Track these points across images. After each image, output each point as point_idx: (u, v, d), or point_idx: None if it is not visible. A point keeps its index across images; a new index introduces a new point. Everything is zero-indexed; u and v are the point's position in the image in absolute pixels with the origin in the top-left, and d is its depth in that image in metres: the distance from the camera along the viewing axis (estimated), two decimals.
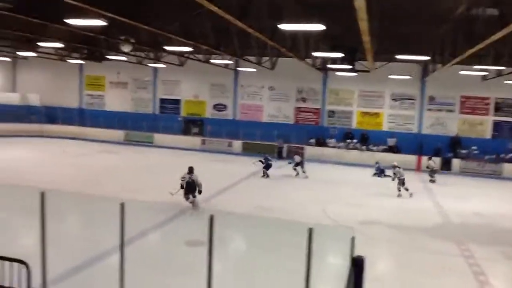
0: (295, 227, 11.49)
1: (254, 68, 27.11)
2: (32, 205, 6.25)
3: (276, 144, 29.60)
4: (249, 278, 9.44)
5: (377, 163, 24.39)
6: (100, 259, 9.72)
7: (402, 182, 18.93)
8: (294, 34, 17.51)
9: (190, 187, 14.36)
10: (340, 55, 18.47)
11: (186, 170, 14.60)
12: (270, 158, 22.93)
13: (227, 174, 22.01)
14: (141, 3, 14.54)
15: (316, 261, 5.64)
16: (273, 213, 14.55)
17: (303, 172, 22.41)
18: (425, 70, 27.62)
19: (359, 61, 21.85)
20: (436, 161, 24.81)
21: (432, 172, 23.32)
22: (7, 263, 5.31)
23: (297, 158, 23.15)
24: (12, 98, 34.52)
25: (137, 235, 10.66)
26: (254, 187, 19.78)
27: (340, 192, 19.61)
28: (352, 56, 19.83)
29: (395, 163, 19.76)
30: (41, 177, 17.85)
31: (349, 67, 20.73)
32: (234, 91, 32.30)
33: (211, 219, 5.57)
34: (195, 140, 31.09)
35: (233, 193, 18.16)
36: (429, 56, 18.70)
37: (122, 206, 5.70)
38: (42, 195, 6.03)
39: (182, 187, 14.41)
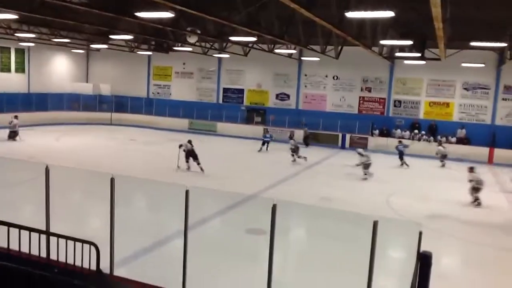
0: (357, 218, 11.30)
1: (318, 57, 26.76)
2: (102, 190, 6.54)
3: (302, 131, 29.43)
4: (310, 269, 9.40)
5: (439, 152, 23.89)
6: (165, 243, 10.06)
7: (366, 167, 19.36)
8: (361, 22, 17.05)
9: (191, 154, 18.66)
10: (409, 42, 17.78)
11: (186, 141, 18.96)
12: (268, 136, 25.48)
13: (289, 163, 21.97)
14: None
15: (380, 255, 5.50)
16: (335, 204, 14.37)
17: (299, 157, 22.20)
18: (501, 57, 26.02)
19: (429, 49, 20.92)
20: (446, 147, 24.66)
21: (442, 157, 23.70)
22: (78, 244, 5.61)
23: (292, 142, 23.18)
24: (85, 88, 36.42)
25: (199, 221, 10.92)
26: (316, 177, 19.62)
27: (405, 184, 19.02)
28: (422, 43, 19.00)
29: (360, 150, 20.46)
30: (111, 163, 18.75)
31: (418, 55, 19.88)
32: (298, 81, 32.10)
33: (274, 208, 5.56)
34: (258, 129, 31.28)
35: (295, 182, 18.13)
36: (506, 42, 17.58)
37: (187, 192, 5.84)
38: (112, 181, 6.30)
39: (184, 151, 18.71)
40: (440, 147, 24.30)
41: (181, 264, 6.24)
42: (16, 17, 17.90)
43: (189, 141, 19.25)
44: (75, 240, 5.42)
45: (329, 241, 11.09)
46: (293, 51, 27.49)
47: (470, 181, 15.93)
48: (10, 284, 5.16)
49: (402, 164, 22.29)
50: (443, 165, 23.70)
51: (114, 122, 34.22)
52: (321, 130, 29.59)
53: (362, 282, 5.46)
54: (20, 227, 5.14)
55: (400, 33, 17.44)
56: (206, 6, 13.98)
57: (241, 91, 34.00)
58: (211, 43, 28.34)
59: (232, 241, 10.80)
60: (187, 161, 18.80)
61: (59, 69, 36.71)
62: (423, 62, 24.09)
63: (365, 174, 19.34)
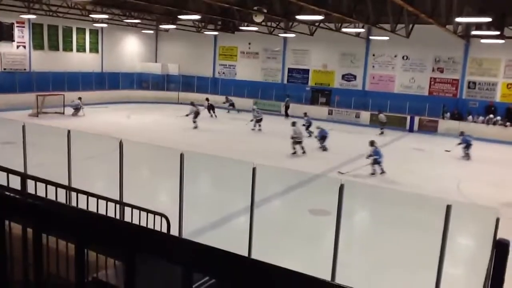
0: (427, 203, 10.93)
1: (387, 37, 25.82)
2: (171, 165, 6.73)
3: (284, 103, 31.36)
4: (374, 252, 9.24)
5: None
6: (230, 219, 10.26)
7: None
8: None
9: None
10: (487, 19, 16.70)
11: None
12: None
13: (355, 145, 21.55)
14: None
15: (452, 241, 5.29)
16: (402, 187, 13.97)
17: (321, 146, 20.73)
18: None
19: (509, 27, 19.58)
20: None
21: (381, 124, 25.21)
22: (150, 215, 5.83)
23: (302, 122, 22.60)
24: (154, 68, 37.54)
25: (264, 199, 11.00)
26: (384, 160, 19.09)
27: (477, 170, 18.10)
28: (501, 20, 17.82)
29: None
30: (178, 140, 19.28)
31: (497, 33, 18.68)
32: (365, 61, 31.23)
33: (341, 188, 5.48)
34: (322, 110, 30.87)
35: (361, 164, 17.75)
36: None
37: (254, 170, 5.89)
38: (181, 156, 6.47)
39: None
40: (381, 115, 24.82)
41: (247, 240, 6.34)
42: None
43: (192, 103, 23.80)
44: (147, 211, 5.64)
45: (396, 224, 10.83)
46: (361, 30, 26.69)
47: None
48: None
49: (465, 156, 20.41)
50: (382, 133, 24.07)
51: (181, 101, 35.09)
52: (388, 112, 28.72)
53: (431, 267, 5.28)
54: (98, 197, 5.42)
55: (478, 9, 16.41)
56: None
57: (306, 71, 33.63)
58: (277, 23, 28.14)
59: (296, 221, 10.81)
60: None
61: (130, 49, 38.04)
62: (501, 41, 22.60)
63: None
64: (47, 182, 4.88)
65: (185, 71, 37.23)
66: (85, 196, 5.41)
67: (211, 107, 28.63)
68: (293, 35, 29.93)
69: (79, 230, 1.54)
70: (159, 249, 1.54)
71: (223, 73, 37.37)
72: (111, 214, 6.13)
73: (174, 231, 6.00)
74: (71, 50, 33.49)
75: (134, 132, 20.80)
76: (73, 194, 5.99)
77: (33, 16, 27.89)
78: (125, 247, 1.50)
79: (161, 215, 5.55)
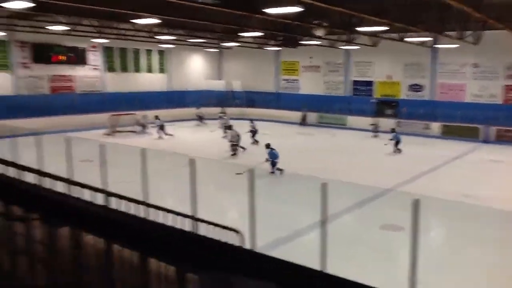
0: (505, 218, 10.31)
1: (455, 44, 24.88)
2: (239, 180, 6.80)
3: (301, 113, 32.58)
4: (453, 271, 8.80)
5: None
6: (301, 234, 10.18)
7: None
8: (505, 2, 15.47)
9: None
10: None
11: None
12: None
13: (425, 158, 20.81)
14: None
15: None
16: (481, 203, 13.25)
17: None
18: None
19: None
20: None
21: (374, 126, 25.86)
22: (220, 230, 5.92)
23: None
24: (219, 85, 38.44)
25: (333, 214, 10.84)
26: (456, 173, 18.28)
27: None
28: None
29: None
30: (247, 156, 19.53)
31: None
32: (432, 70, 30.22)
33: (416, 203, 5.29)
34: (389, 122, 30.10)
35: (432, 178, 17.09)
36: None
37: (324, 186, 5.82)
38: (251, 172, 6.53)
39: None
40: (375, 119, 24.87)
41: (318, 255, 6.26)
42: (158, 21, 19.53)
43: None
44: (221, 226, 5.73)
45: (476, 242, 10.27)
46: (426, 39, 25.89)
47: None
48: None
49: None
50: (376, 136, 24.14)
51: (246, 117, 35.49)
52: (458, 122, 27.51)
53: None
54: (174, 212, 5.58)
55: None
56: None
57: (370, 83, 33.05)
58: (338, 35, 27.95)
59: (367, 236, 10.56)
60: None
61: (195, 68, 39.25)
62: None
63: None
64: (127, 199, 5.09)
65: (248, 87, 37.78)
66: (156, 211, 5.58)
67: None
68: (355, 47, 29.59)
69: (181, 253, 1.58)
70: (247, 267, 1.55)
71: (286, 87, 37.55)
72: (183, 228, 6.30)
73: (247, 247, 6.06)
74: (140, 71, 35.09)
75: (202, 148, 21.25)
76: (149, 209, 6.22)
77: (105, 40, 29.51)
78: (219, 268, 1.52)
79: (234, 230, 5.61)
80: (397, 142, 22.25)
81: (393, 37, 25.07)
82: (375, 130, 27.82)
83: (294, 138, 27.20)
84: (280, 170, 16.68)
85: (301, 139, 26.94)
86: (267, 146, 17.30)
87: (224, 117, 27.71)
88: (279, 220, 11.42)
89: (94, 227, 1.80)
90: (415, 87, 31.04)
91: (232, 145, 20.58)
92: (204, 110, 33.13)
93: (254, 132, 24.15)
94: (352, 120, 31.84)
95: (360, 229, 11.42)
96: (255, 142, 23.27)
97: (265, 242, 8.90)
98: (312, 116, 33.31)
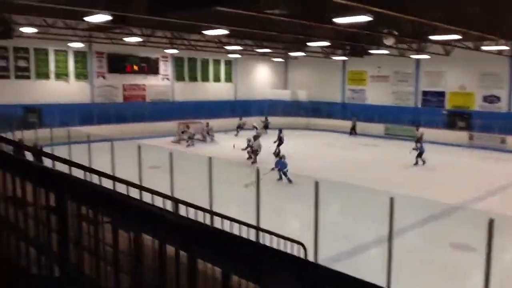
0: None
1: None
2: (301, 191, 6.76)
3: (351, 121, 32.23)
4: None
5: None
6: (365, 249, 9.93)
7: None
8: None
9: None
10: None
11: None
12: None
13: (501, 173, 19.65)
14: None
15: None
16: None
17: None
18: None
19: None
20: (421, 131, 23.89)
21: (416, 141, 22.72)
22: (286, 242, 5.89)
23: None
24: (284, 95, 38.56)
25: (400, 229, 10.48)
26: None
27: None
28: None
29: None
30: (308, 167, 19.37)
31: None
32: (510, 81, 28.56)
33: (491, 223, 5.00)
34: (461, 135, 28.75)
35: (508, 196, 16.10)
36: None
37: (392, 200, 5.66)
38: (317, 185, 6.47)
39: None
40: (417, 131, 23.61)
41: (383, 271, 6.08)
42: (227, 32, 19.96)
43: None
44: (284, 238, 5.71)
45: None
46: (504, 48, 24.55)
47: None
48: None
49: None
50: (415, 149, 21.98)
51: (311, 127, 35.34)
52: None
53: None
54: (238, 222, 5.64)
55: None
56: (404, 5, 13.45)
57: (441, 94, 31.77)
58: (408, 44, 27.16)
59: (435, 255, 10.10)
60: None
61: (261, 78, 39.66)
62: None
63: None
64: (195, 207, 5.22)
65: (313, 97, 37.58)
66: (222, 220, 5.65)
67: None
68: (426, 56, 28.62)
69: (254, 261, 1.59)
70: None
71: (353, 98, 36.96)
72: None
73: (310, 259, 6.00)
74: (208, 80, 36.00)
75: (268, 158, 21.34)
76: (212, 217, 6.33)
77: (175, 51, 30.58)
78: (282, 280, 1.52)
79: (298, 243, 5.58)
80: (420, 154, 21.57)
81: (468, 46, 24.02)
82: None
83: (358, 149, 26.67)
84: (290, 181, 16.77)
85: (366, 151, 26.37)
86: (277, 154, 17.88)
87: (257, 128, 27.45)
88: (342, 233, 11.20)
89: (162, 232, 1.85)
90: (491, 98, 29.44)
91: (252, 151, 20.90)
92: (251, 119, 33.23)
93: (280, 142, 23.52)
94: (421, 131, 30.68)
95: (428, 247, 10.94)
96: (278, 153, 21.95)
97: (327, 255, 8.77)
98: (378, 127, 32.51)
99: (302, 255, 5.56)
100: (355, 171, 19.29)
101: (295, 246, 6.26)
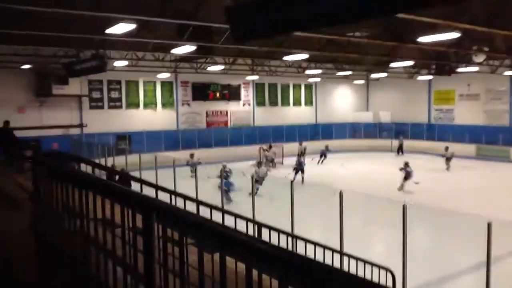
0: None
1: None
2: (386, 215, 6.47)
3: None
4: None
5: None
6: (457, 277, 9.26)
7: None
8: None
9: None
10: None
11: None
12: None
13: None
14: (496, 7, 13.39)
15: None
16: None
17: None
18: None
19: None
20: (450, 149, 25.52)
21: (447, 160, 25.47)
22: (368, 267, 5.63)
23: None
24: (366, 117, 37.76)
25: (498, 256, 9.67)
26: None
27: None
28: None
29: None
30: (394, 190, 18.66)
31: None
32: None
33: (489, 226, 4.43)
34: None
35: None
36: None
37: (489, 225, 5.22)
38: (404, 208, 6.16)
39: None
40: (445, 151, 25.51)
41: None
42: (307, 56, 20.04)
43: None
44: (371, 264, 5.47)
45: None
46: None
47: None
48: None
49: None
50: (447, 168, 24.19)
51: (395, 149, 34.16)
52: None
53: None
54: (320, 245, 5.50)
55: None
56: (495, 19, 12.68)
57: None
58: (501, 60, 25.52)
59: None
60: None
61: (342, 100, 39.20)
62: None
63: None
64: (277, 230, 5.16)
65: (397, 118, 36.40)
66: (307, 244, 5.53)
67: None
68: None
69: None
70: None
71: (440, 118, 35.26)
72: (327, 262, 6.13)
73: (399, 286, 5.67)
74: (288, 104, 36.25)
75: (348, 181, 20.89)
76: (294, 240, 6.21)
77: (256, 77, 31.20)
78: None
79: (386, 269, 5.31)
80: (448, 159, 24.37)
81: None
82: None
83: (450, 172, 25.28)
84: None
85: (457, 173, 24.92)
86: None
87: (267, 152, 27.53)
88: (432, 259, 10.53)
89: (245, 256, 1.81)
90: None
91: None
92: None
93: (323, 156, 24.63)
94: None
95: None
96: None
97: (417, 283, 8.26)
98: (469, 148, 30.66)
99: (390, 282, 5.27)
100: (447, 194, 18.22)
101: (383, 272, 5.96)
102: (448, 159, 25.86)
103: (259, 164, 21.94)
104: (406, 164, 20.59)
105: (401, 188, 19.86)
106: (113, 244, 2.31)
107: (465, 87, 33.01)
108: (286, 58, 20.73)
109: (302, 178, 21.68)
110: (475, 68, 25.31)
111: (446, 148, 26.45)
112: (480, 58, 21.08)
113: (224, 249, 1.83)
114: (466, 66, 25.48)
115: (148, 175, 12.26)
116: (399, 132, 34.91)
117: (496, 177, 23.77)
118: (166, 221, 2.04)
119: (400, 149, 32.61)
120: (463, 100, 33.65)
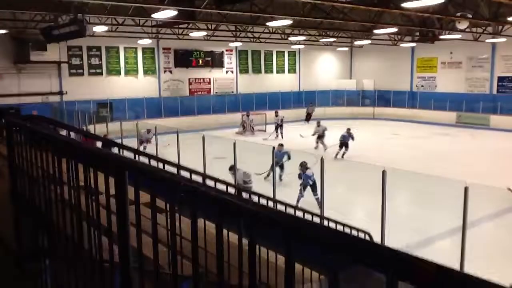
0: None
1: None
2: (369, 181, 6.54)
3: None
4: None
5: None
6: (435, 241, 9.51)
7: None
8: None
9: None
10: None
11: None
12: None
13: None
14: None
15: None
16: None
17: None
18: None
19: None
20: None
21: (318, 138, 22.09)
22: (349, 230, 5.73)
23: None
24: (349, 84, 37.77)
25: (473, 221, 9.92)
26: None
27: None
28: None
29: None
30: (375, 157, 18.84)
31: None
32: None
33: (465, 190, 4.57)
34: None
35: None
36: None
37: (466, 190, 5.32)
38: (384, 173, 6.23)
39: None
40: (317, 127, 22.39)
41: (457, 264, 5.75)
42: (290, 22, 19.77)
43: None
44: (350, 227, 5.56)
45: None
46: None
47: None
48: None
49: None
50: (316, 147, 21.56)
51: (377, 117, 34.42)
52: None
53: None
54: (303, 210, 5.55)
55: None
56: None
57: None
58: (484, 28, 25.57)
59: None
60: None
61: (325, 68, 39.03)
62: None
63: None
64: (257, 195, 5.17)
65: (380, 86, 36.50)
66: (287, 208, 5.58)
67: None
68: (503, 39, 26.82)
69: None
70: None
71: (422, 86, 35.46)
72: None
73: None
74: (272, 72, 36.00)
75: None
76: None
77: (240, 44, 30.79)
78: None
79: (365, 232, 5.41)
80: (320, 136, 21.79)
81: None
82: None
83: (427, 138, 25.65)
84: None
85: (435, 140, 25.30)
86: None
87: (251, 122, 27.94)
88: (412, 224, 10.77)
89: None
90: None
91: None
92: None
93: (321, 136, 22.16)
94: (496, 120, 28.99)
95: (506, 238, 10.27)
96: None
97: (395, 246, 8.44)
98: (450, 116, 31.06)
99: None
100: (429, 161, 18.49)
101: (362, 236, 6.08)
102: (320, 137, 22.28)
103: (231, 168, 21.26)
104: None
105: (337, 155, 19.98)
106: (87, 207, 2.29)
107: (448, 55, 33.11)
108: (269, 24, 20.44)
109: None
110: (458, 36, 25.30)
111: (318, 123, 23.01)
112: (463, 24, 21.05)
113: (194, 204, 1.80)
114: (449, 34, 25.48)
115: (129, 143, 12.17)
116: (384, 100, 35.16)
117: (475, 144, 24.21)
118: (139, 180, 2.01)
119: (308, 116, 32.51)
120: (445, 68, 33.81)
